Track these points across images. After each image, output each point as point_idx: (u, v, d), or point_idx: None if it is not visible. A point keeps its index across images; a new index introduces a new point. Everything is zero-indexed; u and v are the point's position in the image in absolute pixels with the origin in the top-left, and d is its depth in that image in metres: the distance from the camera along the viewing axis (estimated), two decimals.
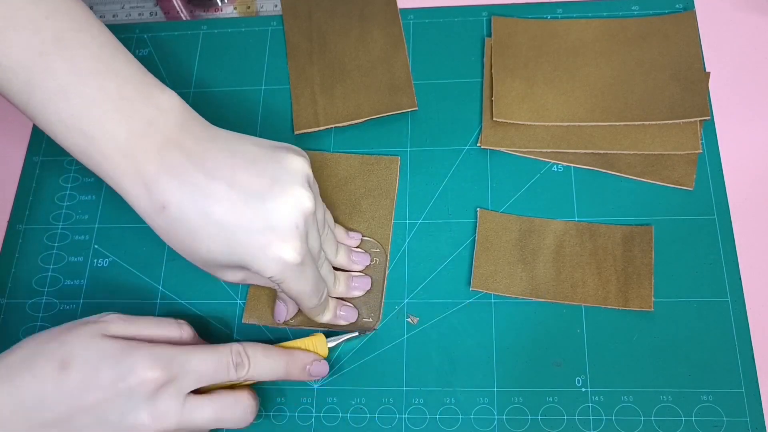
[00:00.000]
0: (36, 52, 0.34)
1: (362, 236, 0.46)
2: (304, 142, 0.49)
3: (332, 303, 0.43)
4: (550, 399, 0.41)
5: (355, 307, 0.44)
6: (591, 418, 0.41)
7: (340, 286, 0.43)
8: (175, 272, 0.47)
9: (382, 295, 0.44)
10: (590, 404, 0.41)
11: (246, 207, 0.35)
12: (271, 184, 0.35)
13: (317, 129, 0.50)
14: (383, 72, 0.51)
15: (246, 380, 0.38)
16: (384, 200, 0.47)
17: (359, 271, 0.45)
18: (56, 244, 0.48)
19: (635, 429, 0.40)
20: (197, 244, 0.35)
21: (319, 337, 0.41)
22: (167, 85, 0.37)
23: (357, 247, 0.45)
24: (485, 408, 0.42)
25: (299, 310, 0.44)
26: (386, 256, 0.45)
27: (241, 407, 0.37)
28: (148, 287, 0.46)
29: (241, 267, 0.36)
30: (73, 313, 0.46)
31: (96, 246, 0.48)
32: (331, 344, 0.42)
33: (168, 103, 0.36)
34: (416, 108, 0.49)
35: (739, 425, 0.40)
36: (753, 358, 0.41)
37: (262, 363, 0.38)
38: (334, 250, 0.43)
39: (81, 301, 0.46)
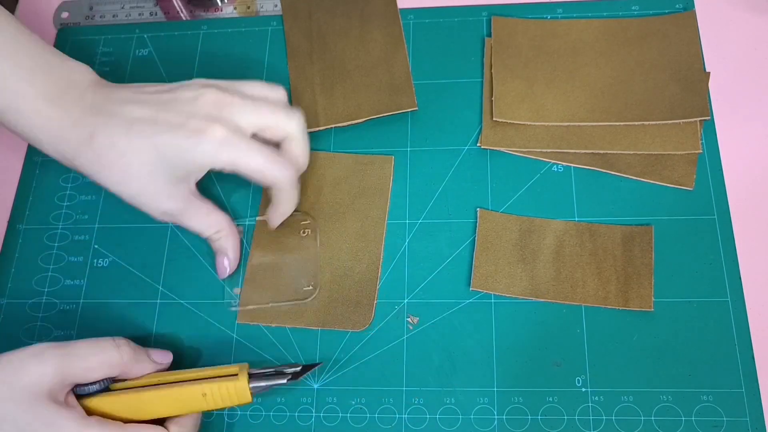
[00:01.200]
0: None
1: (297, 211, 0.45)
2: None
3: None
4: (550, 399, 0.41)
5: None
6: (591, 418, 0.41)
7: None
8: (175, 272, 0.47)
9: (317, 264, 0.45)
10: (590, 404, 0.41)
11: (164, 111, 0.39)
12: (179, 86, 0.41)
13: (317, 129, 0.50)
14: (383, 72, 0.51)
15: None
16: (378, 200, 0.47)
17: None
18: (56, 244, 0.48)
19: (635, 429, 0.40)
20: (128, 163, 0.39)
21: (242, 382, 0.38)
22: None
23: (288, 222, 0.45)
24: (485, 408, 0.42)
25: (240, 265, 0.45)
26: (317, 230, 0.46)
27: None
28: (148, 287, 0.46)
29: (177, 180, 0.40)
30: (74, 313, 0.46)
31: (96, 246, 0.48)
32: (257, 389, 0.39)
33: (81, 68, 0.42)
34: (416, 108, 0.49)
35: (739, 425, 0.40)
36: (753, 358, 0.41)
37: None
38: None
39: (81, 301, 0.46)
